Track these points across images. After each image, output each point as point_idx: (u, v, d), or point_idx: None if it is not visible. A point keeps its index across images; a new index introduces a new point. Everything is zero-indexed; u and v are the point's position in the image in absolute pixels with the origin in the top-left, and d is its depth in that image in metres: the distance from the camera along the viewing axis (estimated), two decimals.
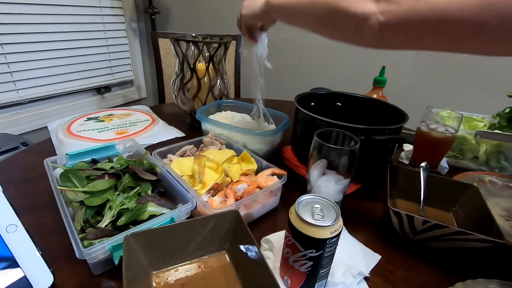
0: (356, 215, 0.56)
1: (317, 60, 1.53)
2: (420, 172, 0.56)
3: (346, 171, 0.48)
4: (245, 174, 0.55)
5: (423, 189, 0.54)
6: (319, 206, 0.36)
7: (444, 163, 0.70)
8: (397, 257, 0.46)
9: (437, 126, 0.66)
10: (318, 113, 0.78)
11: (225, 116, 0.75)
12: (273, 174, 0.53)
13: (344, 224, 0.51)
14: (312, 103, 0.80)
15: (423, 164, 0.57)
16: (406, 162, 0.74)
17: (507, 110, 0.72)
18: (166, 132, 0.78)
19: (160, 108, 1.01)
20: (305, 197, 0.36)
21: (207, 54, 0.76)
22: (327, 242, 0.33)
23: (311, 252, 0.34)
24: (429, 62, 1.30)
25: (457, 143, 0.73)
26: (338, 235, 0.34)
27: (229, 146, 0.63)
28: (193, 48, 0.75)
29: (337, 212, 0.35)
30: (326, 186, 0.48)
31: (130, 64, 1.93)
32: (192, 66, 0.76)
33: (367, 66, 1.42)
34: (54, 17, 1.45)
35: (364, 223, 0.54)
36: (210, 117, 0.74)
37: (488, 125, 0.74)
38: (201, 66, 0.77)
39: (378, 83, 0.77)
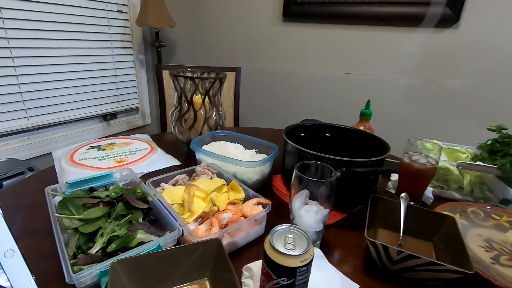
0: (339, 245, 0.57)
1: (312, 92, 1.60)
2: (402, 203, 0.59)
3: (325, 201, 0.51)
4: (232, 203, 0.58)
5: (403, 219, 0.56)
6: (292, 236, 0.38)
7: (429, 193, 0.73)
8: (377, 286, 0.48)
9: (419, 157, 0.69)
10: (308, 144, 0.82)
11: (219, 146, 0.79)
12: (258, 204, 0.56)
13: (326, 252, 0.53)
14: (302, 134, 0.84)
15: (403, 194, 0.60)
16: (393, 191, 0.76)
17: (489, 142, 0.75)
18: (163, 160, 0.82)
19: (161, 137, 1.07)
20: (279, 227, 0.39)
21: (203, 88, 0.81)
22: (298, 270, 0.35)
23: (283, 280, 0.36)
24: (420, 95, 1.35)
25: (441, 174, 0.76)
26: (308, 264, 0.36)
27: (220, 175, 0.67)
28: (190, 82, 0.81)
29: (308, 242, 0.37)
30: (307, 216, 0.51)
31: (136, 92, 2.03)
32: (189, 99, 0.81)
33: (359, 99, 1.48)
34: (67, 50, 1.57)
35: (346, 253, 0.55)
36: (204, 147, 0.78)
37: (471, 156, 0.77)
38: (197, 99, 0.83)
39: (364, 115, 0.82)
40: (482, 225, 0.63)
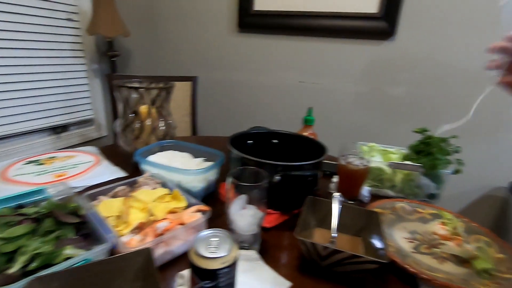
0: (278, 246, 0.60)
1: (268, 100, 1.64)
2: (334, 202, 0.63)
3: (260, 205, 0.53)
4: (173, 212, 0.58)
5: (335, 217, 0.60)
6: (218, 239, 0.40)
7: (365, 192, 0.78)
8: (308, 284, 0.50)
9: (354, 159, 0.74)
10: (256, 150, 0.85)
11: (166, 156, 0.79)
12: (198, 211, 0.57)
13: (265, 254, 0.55)
14: (250, 141, 0.87)
15: (335, 194, 0.64)
16: (334, 192, 0.81)
17: (416, 143, 0.83)
18: (107, 173, 0.80)
19: (111, 148, 1.03)
20: (205, 232, 0.41)
21: (149, 98, 0.81)
22: (219, 272, 0.37)
23: (207, 283, 0.37)
24: (366, 102, 1.45)
25: (377, 174, 0.82)
26: (231, 266, 0.38)
27: (165, 185, 0.67)
28: (135, 92, 0.80)
29: (232, 245, 0.39)
30: (241, 220, 0.53)
31: (90, 103, 1.94)
32: (134, 110, 0.80)
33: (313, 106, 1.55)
34: (12, 60, 1.47)
35: (284, 253, 0.58)
36: (151, 157, 0.77)
37: (402, 156, 0.85)
38: (143, 108, 0.82)
39: (307, 122, 0.87)
40: (408, 219, 0.69)
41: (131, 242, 0.48)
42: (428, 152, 0.78)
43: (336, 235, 0.58)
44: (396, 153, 0.85)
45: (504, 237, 1.33)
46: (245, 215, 0.53)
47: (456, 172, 0.77)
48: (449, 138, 0.77)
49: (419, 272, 0.50)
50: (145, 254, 0.43)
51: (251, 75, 1.65)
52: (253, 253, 0.53)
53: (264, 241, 0.60)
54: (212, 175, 0.73)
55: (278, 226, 0.66)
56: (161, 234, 0.50)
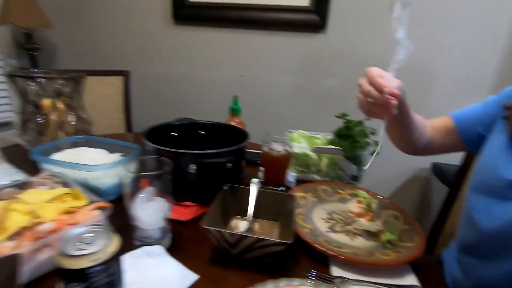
0: (192, 239, 0.57)
1: (208, 94, 1.60)
2: (252, 188, 0.61)
3: (163, 195, 0.50)
4: (70, 212, 0.51)
5: (252, 203, 0.59)
6: (91, 235, 0.35)
7: (291, 178, 0.79)
8: (217, 274, 0.48)
9: (277, 146, 0.74)
10: (181, 142, 0.80)
11: (74, 153, 0.71)
12: (98, 208, 0.51)
13: (176, 248, 0.51)
14: (175, 133, 0.82)
15: (253, 180, 0.63)
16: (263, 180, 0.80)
17: (339, 128, 0.86)
18: (3, 176, 0.69)
19: (17, 149, 0.91)
20: (79, 228, 0.36)
21: (52, 89, 0.72)
22: (88, 272, 0.32)
23: (76, 285, 0.32)
24: (304, 94, 1.49)
25: (303, 160, 0.83)
26: (106, 263, 0.33)
27: (67, 184, 0.59)
28: (35, 84, 0.71)
29: (109, 239, 0.35)
30: (143, 214, 0.49)
31: (9, 104, 1.71)
32: (34, 103, 0.71)
33: (252, 99, 1.55)
34: None
35: (198, 246, 0.55)
36: (56, 155, 0.69)
37: (327, 141, 0.87)
38: (46, 102, 0.73)
39: (233, 111, 0.85)
40: (328, 200, 0.71)
41: (2, 250, 0.41)
42: (349, 136, 0.80)
43: (250, 220, 0.56)
44: (321, 139, 0.87)
45: (428, 214, 1.46)
46: (147, 208, 0.49)
47: (374, 153, 0.81)
48: (365, 119, 0.80)
49: (326, 250, 0.50)
50: (10, 261, 0.36)
51: (190, 69, 1.59)
52: (158, 249, 0.49)
53: (178, 235, 0.56)
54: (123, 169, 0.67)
55: (197, 219, 0.62)
56: (43, 237, 0.44)
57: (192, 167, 0.61)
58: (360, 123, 0.80)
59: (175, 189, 0.65)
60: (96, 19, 1.65)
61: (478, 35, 1.23)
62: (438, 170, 1.29)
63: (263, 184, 0.77)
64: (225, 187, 0.61)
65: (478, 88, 1.28)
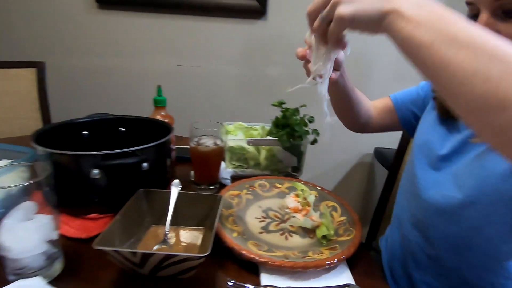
0: (98, 260, 0.46)
1: (143, 87, 1.45)
2: (172, 191, 0.52)
3: (45, 210, 0.39)
4: None
5: (171, 209, 0.50)
6: None
7: (226, 174, 0.71)
8: None
9: (206, 139, 0.66)
10: (95, 142, 0.68)
11: None
12: None
13: (74, 274, 0.41)
14: (86, 132, 0.69)
15: (174, 181, 0.54)
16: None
17: (277, 117, 0.80)
18: None
19: None
20: None
21: None
22: None
23: None
24: (249, 84, 1.42)
25: (240, 153, 0.76)
26: None
27: None
28: None
29: None
30: (13, 239, 0.37)
31: None
32: None
33: (194, 91, 1.44)
34: None
35: (104, 268, 0.44)
36: None
37: (265, 133, 0.81)
38: None
39: (157, 103, 0.74)
40: (265, 196, 0.65)
41: None
42: (287, 125, 0.75)
43: (167, 230, 0.47)
44: (258, 130, 0.81)
45: (372, 199, 1.51)
46: (19, 230, 0.37)
47: (313, 142, 0.77)
48: (301, 107, 0.75)
49: (254, 257, 0.44)
50: None
51: (119, 59, 1.42)
52: (37, 281, 0.38)
53: (77, 257, 0.46)
54: (11, 179, 0.53)
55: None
56: None
57: (95, 172, 0.50)
58: (297, 111, 0.75)
59: (77, 199, 0.54)
60: (2, 1, 1.39)
61: None
62: (379, 155, 1.32)
63: (195, 184, 0.68)
64: (138, 193, 0.52)
65: (411, 74, 1.33)
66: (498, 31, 0.38)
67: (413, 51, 0.29)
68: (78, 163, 0.51)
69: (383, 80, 1.35)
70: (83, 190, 0.52)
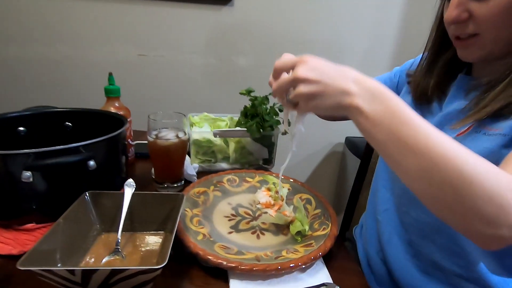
0: (32, 278, 0.38)
1: (102, 79, 1.33)
2: (125, 192, 0.45)
3: None
4: None
5: (123, 213, 0.43)
6: None
7: (191, 170, 0.65)
8: None
9: (166, 132, 0.59)
10: (34, 139, 0.59)
11: None
12: None
13: None
14: (22, 128, 0.59)
15: (128, 181, 0.47)
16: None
17: (246, 106, 0.75)
18: None
19: None
20: None
21: None
22: None
23: None
24: (216, 74, 1.34)
25: (206, 147, 0.70)
26: None
27: None
28: None
29: None
30: None
31: None
32: None
33: (158, 82, 1.34)
34: None
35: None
36: None
37: (234, 123, 0.75)
38: None
39: (109, 92, 0.65)
40: (235, 192, 0.60)
41: None
42: (256, 114, 0.70)
43: (120, 238, 0.41)
44: (226, 120, 0.75)
45: (345, 188, 1.52)
46: None
47: (285, 132, 0.72)
48: (269, 94, 0.71)
49: (222, 262, 0.39)
50: None
51: (74, 49, 1.27)
52: None
53: (6, 278, 0.37)
54: None
55: None
56: None
57: (26, 174, 0.41)
58: (266, 99, 0.71)
59: (7, 208, 0.45)
60: None
61: (378, 12, 1.27)
62: (351, 144, 1.32)
63: (156, 183, 0.62)
64: (84, 196, 0.44)
65: (381, 61, 1.34)
66: (470, 11, 0.38)
67: (370, 141, 0.33)
68: (4, 164, 0.42)
69: (354, 67, 1.35)
70: (14, 196, 0.44)
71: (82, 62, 1.30)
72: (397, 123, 0.30)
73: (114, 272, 0.31)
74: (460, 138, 0.41)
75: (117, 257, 0.40)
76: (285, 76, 0.35)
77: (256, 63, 1.32)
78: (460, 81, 0.47)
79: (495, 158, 0.35)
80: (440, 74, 0.49)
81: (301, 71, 0.32)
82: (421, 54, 0.53)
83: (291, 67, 0.34)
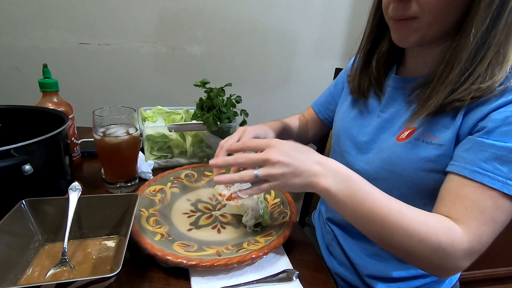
0: None
1: (35, 70, 1.18)
2: (70, 197, 0.42)
3: None
4: None
5: (69, 219, 0.40)
6: None
7: (146, 168, 0.62)
8: None
9: (116, 129, 0.55)
10: None
11: None
12: None
13: None
14: None
15: (72, 185, 0.43)
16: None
17: (201, 99, 0.73)
18: None
19: None
20: None
21: None
22: None
23: None
24: (167, 63, 1.28)
25: (162, 142, 0.67)
26: None
27: None
28: None
29: None
30: None
31: None
32: None
33: (103, 72, 1.24)
34: None
35: None
36: None
37: (190, 116, 0.73)
38: None
39: (45, 87, 0.59)
40: (194, 187, 0.58)
41: None
42: (212, 106, 0.69)
43: (66, 247, 0.38)
44: (181, 114, 0.72)
45: None
46: None
47: (243, 123, 0.72)
48: (225, 86, 0.70)
49: (181, 261, 0.38)
50: None
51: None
52: None
53: None
54: None
55: None
56: None
57: None
58: (222, 90, 0.69)
59: None
60: None
61: (330, 3, 1.31)
62: None
63: (108, 184, 0.57)
64: (20, 205, 0.39)
65: (332, 51, 1.39)
66: None
67: (336, 210, 0.38)
68: None
69: (305, 57, 1.38)
70: None
71: (10, 51, 1.14)
72: (358, 199, 0.36)
73: (61, 286, 0.29)
74: (401, 144, 0.43)
75: (65, 268, 0.37)
76: (254, 155, 0.38)
77: (210, 51, 1.29)
78: (394, 82, 0.48)
79: (432, 166, 0.40)
80: (377, 68, 0.50)
81: (274, 155, 0.36)
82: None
83: (260, 149, 0.38)
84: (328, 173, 0.36)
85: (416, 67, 0.47)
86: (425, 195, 0.43)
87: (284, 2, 1.27)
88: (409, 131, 0.43)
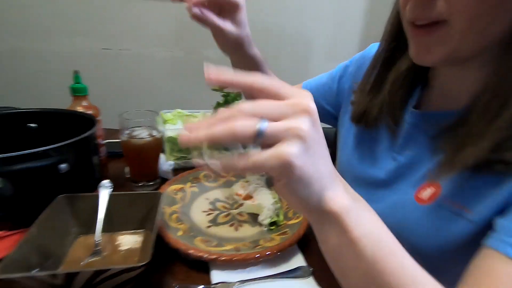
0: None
1: (60, 73, 1.25)
2: (101, 193, 0.45)
3: None
4: None
5: (101, 215, 0.43)
6: None
7: (166, 167, 0.65)
8: None
9: (140, 131, 0.59)
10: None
11: None
12: None
13: None
14: None
15: (103, 182, 0.47)
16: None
17: (219, 102, 0.76)
18: None
19: None
20: None
21: None
22: None
23: None
24: (183, 67, 1.33)
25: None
26: None
27: None
28: None
29: None
30: None
31: None
32: None
33: (125, 76, 1.30)
34: None
35: None
36: None
37: None
38: None
39: (76, 91, 0.63)
40: (212, 187, 0.61)
41: None
42: None
43: (99, 239, 0.41)
44: (197, 116, 0.76)
45: None
46: None
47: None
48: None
49: (203, 254, 0.41)
50: None
51: (29, 42, 1.19)
52: None
53: None
54: None
55: None
56: None
57: None
58: (239, 95, 0.72)
59: None
60: None
61: (344, 5, 1.32)
62: None
63: (132, 182, 0.61)
64: (57, 200, 0.43)
65: (344, 53, 1.40)
66: None
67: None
68: None
69: (319, 61, 1.39)
70: None
71: (38, 57, 1.22)
72: (379, 252, 0.24)
73: (98, 272, 0.32)
74: (422, 208, 0.33)
75: (97, 258, 0.40)
76: (280, 102, 0.21)
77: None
78: (413, 118, 0.36)
79: (460, 246, 0.28)
80: (391, 92, 0.37)
81: (306, 125, 0.20)
82: (358, 54, 0.47)
83: (289, 111, 0.21)
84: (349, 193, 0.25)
85: (444, 97, 0.35)
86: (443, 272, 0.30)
87: (298, 6, 1.29)
88: (432, 189, 0.31)
